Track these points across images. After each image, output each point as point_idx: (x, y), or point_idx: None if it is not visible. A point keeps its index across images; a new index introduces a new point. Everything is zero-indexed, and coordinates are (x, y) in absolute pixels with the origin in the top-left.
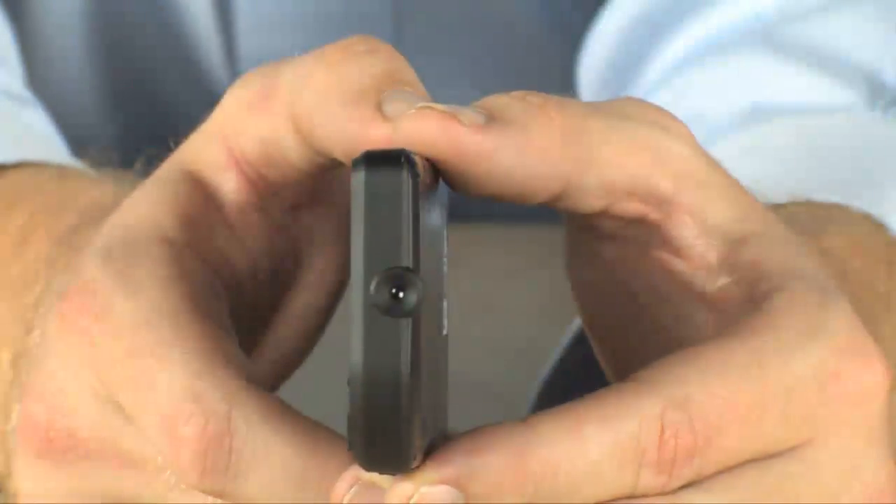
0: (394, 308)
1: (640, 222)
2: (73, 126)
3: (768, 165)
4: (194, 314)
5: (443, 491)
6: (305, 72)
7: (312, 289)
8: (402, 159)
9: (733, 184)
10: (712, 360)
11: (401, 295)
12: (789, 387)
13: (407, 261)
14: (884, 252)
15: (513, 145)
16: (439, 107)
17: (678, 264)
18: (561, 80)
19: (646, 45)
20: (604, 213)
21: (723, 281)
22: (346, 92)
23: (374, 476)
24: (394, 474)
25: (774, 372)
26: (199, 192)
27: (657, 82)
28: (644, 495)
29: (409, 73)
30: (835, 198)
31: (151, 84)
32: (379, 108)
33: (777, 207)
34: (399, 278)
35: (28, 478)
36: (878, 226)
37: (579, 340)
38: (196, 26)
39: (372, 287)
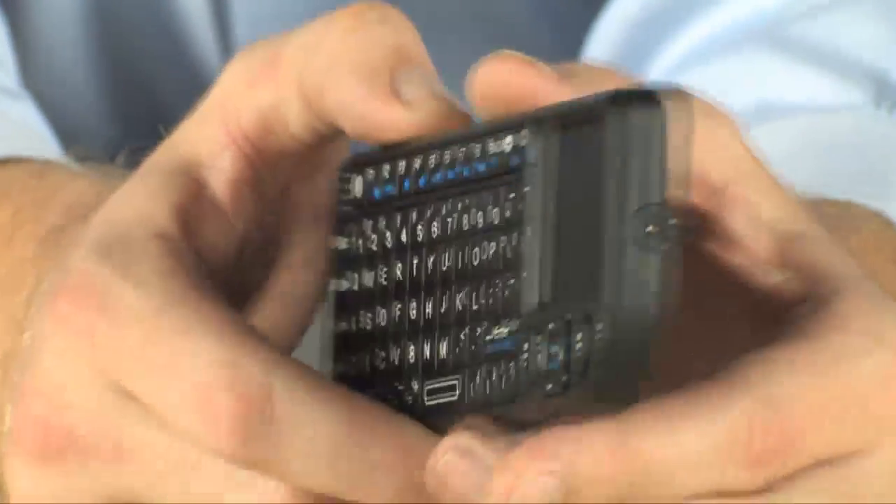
0: (652, 242)
1: (690, 211)
2: (71, 124)
3: (774, 164)
4: (207, 298)
5: (545, 482)
6: (315, 38)
7: (300, 267)
8: (659, 98)
9: (777, 180)
10: (798, 360)
11: (656, 230)
12: (863, 390)
13: (661, 196)
14: (892, 251)
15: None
16: (513, 54)
17: (730, 257)
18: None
19: (649, 43)
20: None
21: (779, 277)
22: (358, 64)
23: (475, 444)
24: (617, 408)
25: (853, 375)
26: (193, 180)
27: (665, 78)
28: (732, 493)
29: (419, 47)
30: (843, 196)
31: (148, 82)
32: (391, 87)
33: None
34: (656, 215)
35: (24, 478)
36: (888, 224)
37: None
38: (191, 23)
39: (627, 221)
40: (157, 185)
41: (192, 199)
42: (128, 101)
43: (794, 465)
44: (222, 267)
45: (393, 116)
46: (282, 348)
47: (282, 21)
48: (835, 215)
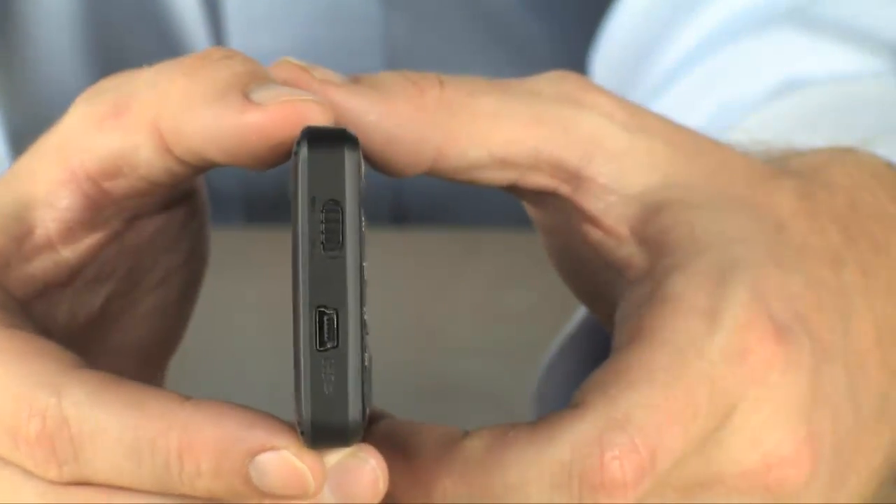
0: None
1: (552, 194)
2: None
3: (798, 126)
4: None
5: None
6: (164, 81)
7: (158, 290)
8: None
9: (660, 148)
10: (637, 371)
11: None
12: (709, 375)
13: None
14: (883, 188)
15: (372, 108)
16: (295, 62)
17: (594, 233)
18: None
19: (666, 25)
20: (516, 187)
21: (629, 250)
22: (212, 91)
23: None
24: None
25: (694, 366)
26: (20, 221)
27: (682, 61)
28: None
29: (268, 72)
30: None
31: None
32: (244, 99)
33: (783, 154)
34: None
35: None
36: (887, 164)
37: (576, 336)
38: (184, 25)
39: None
40: None
41: (12, 241)
42: None
43: (664, 470)
44: (44, 294)
45: (250, 120)
46: (150, 357)
47: (273, 22)
48: (822, 157)
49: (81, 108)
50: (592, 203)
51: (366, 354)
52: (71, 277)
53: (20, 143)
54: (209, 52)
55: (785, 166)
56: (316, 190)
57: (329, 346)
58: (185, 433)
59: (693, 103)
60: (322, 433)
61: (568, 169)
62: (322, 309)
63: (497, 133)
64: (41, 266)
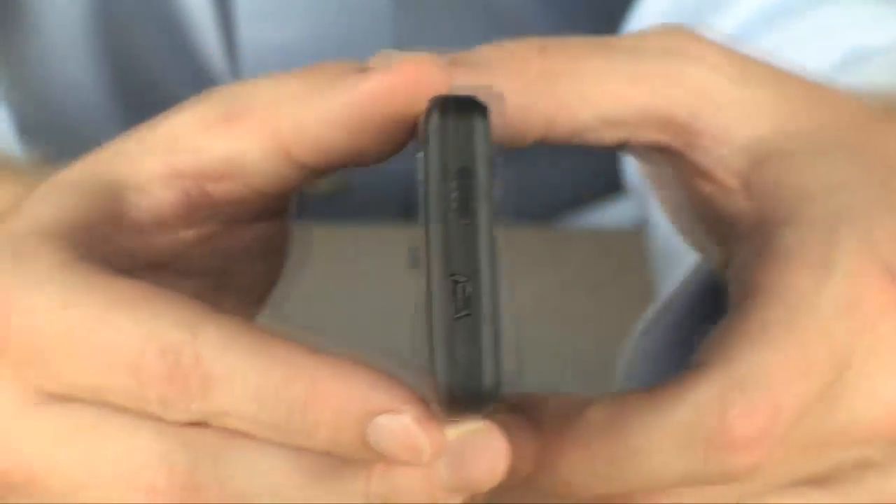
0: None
1: (663, 150)
2: (76, 123)
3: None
4: (111, 278)
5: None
6: (279, 87)
7: (239, 295)
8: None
9: (768, 97)
10: (753, 330)
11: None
12: (823, 328)
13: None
14: None
15: (476, 85)
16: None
17: (705, 186)
18: None
19: (696, 14)
20: (627, 145)
21: (740, 203)
22: (326, 80)
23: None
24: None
25: (808, 321)
26: (113, 201)
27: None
28: (731, 478)
29: None
30: None
31: (152, 79)
32: (359, 69)
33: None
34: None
35: None
36: None
37: (660, 316)
38: (193, 18)
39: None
40: (68, 200)
41: (105, 216)
42: (131, 97)
43: (787, 432)
44: (131, 275)
45: (369, 86)
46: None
47: (282, 16)
48: None
49: (192, 110)
50: (702, 156)
51: (501, 322)
52: (160, 263)
53: (29, 135)
54: (321, 63)
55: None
56: (448, 158)
57: (463, 313)
58: (311, 383)
59: None
60: (458, 400)
61: (677, 124)
62: (455, 277)
63: (603, 94)
64: (133, 246)
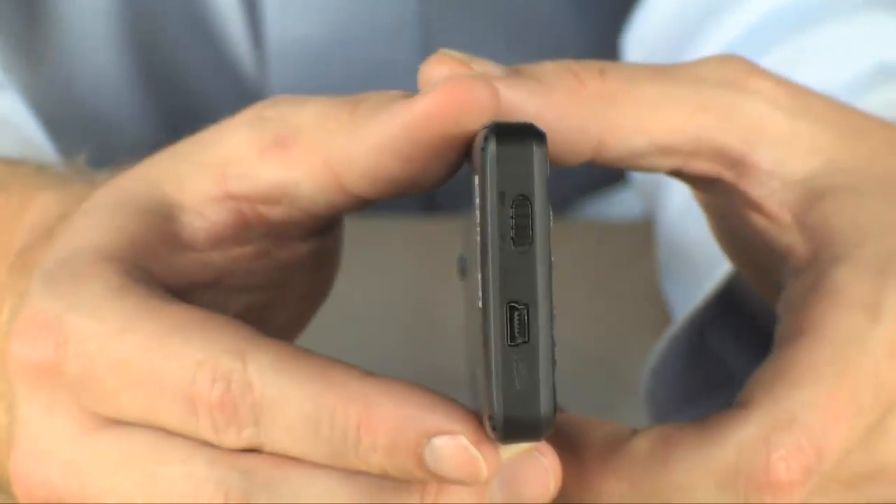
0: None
1: (716, 180)
2: (103, 117)
3: None
4: (165, 304)
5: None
6: (329, 117)
7: (294, 307)
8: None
9: (823, 132)
10: (801, 369)
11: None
12: (872, 370)
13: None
14: None
15: (533, 100)
16: (453, 54)
17: (758, 219)
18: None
19: (705, 12)
20: (679, 172)
21: (793, 237)
22: (376, 108)
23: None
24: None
25: (857, 362)
26: (164, 218)
27: (739, 43)
28: None
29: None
30: None
31: (180, 72)
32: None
33: None
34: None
35: None
36: None
37: (680, 336)
38: (220, 12)
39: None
40: (121, 221)
41: (159, 237)
42: (159, 91)
43: (825, 472)
44: (188, 291)
45: (420, 108)
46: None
47: (309, 7)
48: None
49: (243, 133)
50: (756, 189)
51: (555, 350)
52: (216, 280)
53: (56, 132)
54: (365, 94)
55: None
56: (505, 185)
57: (520, 340)
58: (365, 407)
59: None
60: (514, 427)
61: (731, 156)
62: (513, 304)
63: (659, 121)
64: (187, 263)
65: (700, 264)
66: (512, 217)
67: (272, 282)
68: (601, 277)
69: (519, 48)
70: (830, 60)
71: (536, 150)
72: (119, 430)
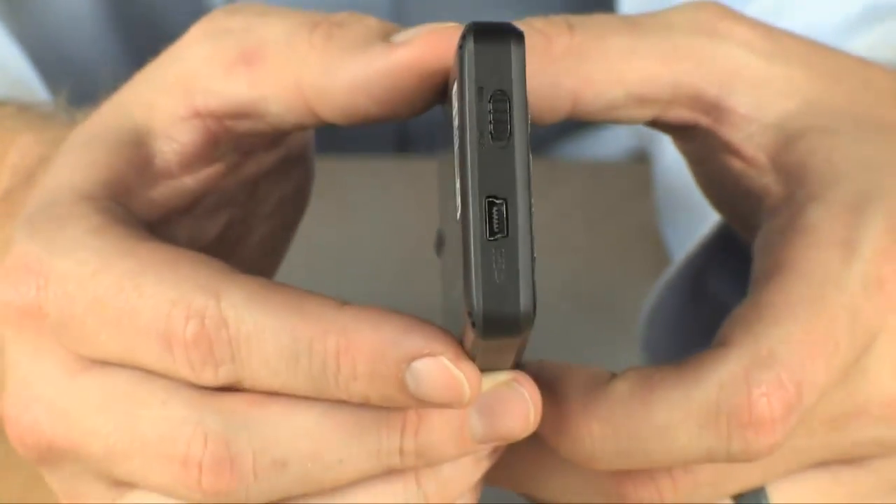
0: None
1: (694, 127)
2: (77, 57)
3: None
4: (142, 244)
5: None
6: (299, 41)
7: (270, 219)
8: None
9: (799, 74)
10: (778, 307)
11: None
12: (848, 306)
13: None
14: None
15: None
16: (440, 26)
17: (735, 162)
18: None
19: None
20: (657, 122)
21: (769, 178)
22: (353, 45)
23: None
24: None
25: (833, 298)
26: (139, 149)
27: None
28: (753, 456)
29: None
30: None
31: (152, 12)
32: (391, 41)
33: None
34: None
35: (42, 472)
36: None
37: (675, 280)
38: None
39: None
40: (96, 155)
41: (133, 168)
42: (131, 30)
43: (809, 406)
44: (166, 219)
45: (400, 57)
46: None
47: None
48: None
49: (206, 47)
50: (733, 133)
51: (535, 246)
52: (192, 204)
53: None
54: (339, 15)
55: None
56: (484, 80)
57: (499, 235)
58: (342, 336)
59: None
60: (494, 323)
61: (707, 101)
62: (492, 198)
63: (632, 71)
64: (163, 192)
65: (697, 206)
66: (490, 112)
67: (245, 196)
68: (598, 218)
69: (496, 9)
70: (817, 5)
71: (514, 47)
72: (101, 371)
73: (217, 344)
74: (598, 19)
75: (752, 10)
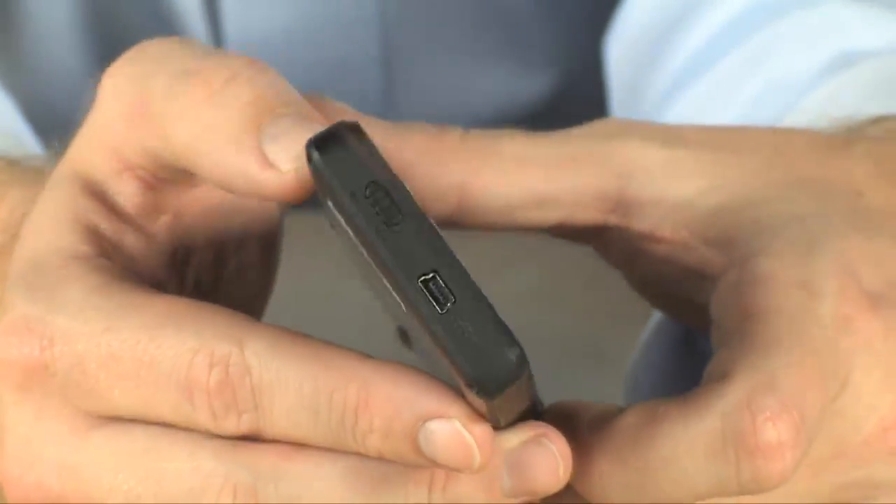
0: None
1: (606, 228)
2: (69, 111)
3: (864, 98)
4: (150, 297)
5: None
6: (185, 98)
7: (239, 252)
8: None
9: (703, 155)
10: (767, 341)
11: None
12: (827, 339)
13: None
14: None
15: (391, 140)
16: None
17: (658, 248)
18: (549, 61)
19: (687, 7)
20: (565, 227)
21: (700, 252)
22: (228, 130)
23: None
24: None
25: (813, 331)
26: (97, 199)
27: (710, 43)
28: (762, 485)
29: (287, 93)
30: None
31: None
32: (259, 150)
33: (859, 123)
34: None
35: None
36: None
37: (660, 331)
38: (181, 5)
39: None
40: (63, 209)
41: (101, 217)
42: None
43: (811, 440)
44: (153, 276)
45: (267, 181)
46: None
47: (269, 4)
48: (889, 125)
49: (110, 100)
50: (644, 221)
51: (482, 292)
52: (170, 260)
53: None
54: (228, 64)
55: (861, 134)
56: (350, 183)
57: (448, 304)
58: (363, 389)
59: (736, 84)
60: (492, 380)
61: (610, 198)
62: (423, 278)
63: (528, 173)
64: (136, 244)
65: None
66: (372, 205)
67: (206, 236)
68: (590, 268)
69: (479, 43)
70: (789, 55)
71: (355, 139)
72: (114, 427)
73: (241, 392)
74: (496, 130)
75: (721, 70)
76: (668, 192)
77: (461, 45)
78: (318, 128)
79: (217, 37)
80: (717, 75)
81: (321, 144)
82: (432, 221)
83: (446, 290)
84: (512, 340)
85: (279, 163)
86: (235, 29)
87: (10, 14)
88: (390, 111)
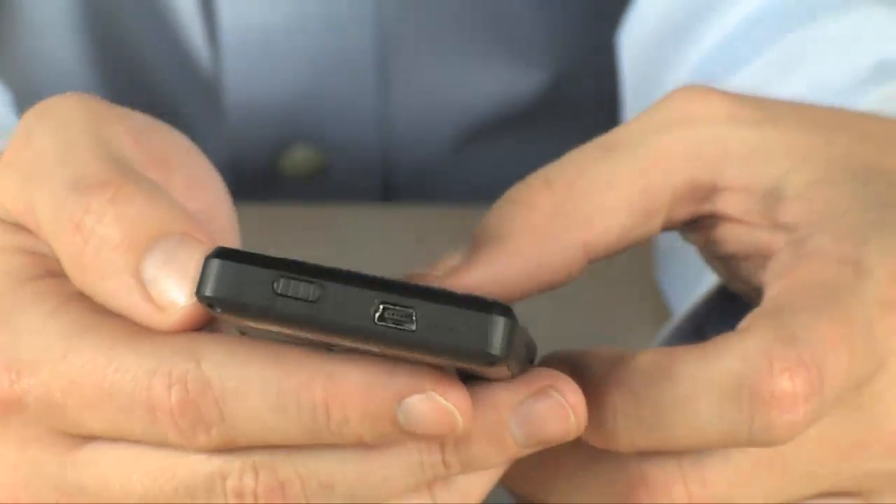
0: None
1: (704, 217)
2: None
3: None
4: (103, 312)
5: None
6: (63, 208)
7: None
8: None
9: (793, 133)
10: (801, 302)
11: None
12: (865, 315)
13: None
14: None
15: (501, 267)
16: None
17: (739, 230)
18: (544, 59)
19: (702, 7)
20: (672, 225)
21: (771, 236)
22: (106, 260)
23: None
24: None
25: (852, 304)
26: (21, 229)
27: (730, 41)
28: (772, 437)
29: (161, 212)
30: None
31: (138, 63)
32: (141, 286)
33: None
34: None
35: None
36: None
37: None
38: (178, 5)
39: None
40: (7, 235)
41: (33, 241)
42: (118, 81)
43: (832, 399)
44: None
45: (159, 323)
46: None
47: (264, 3)
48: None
49: (22, 148)
50: (735, 207)
51: (430, 285)
52: None
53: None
54: (89, 203)
55: None
56: (242, 305)
57: (414, 316)
58: (329, 382)
59: (775, 84)
60: (497, 344)
61: (705, 189)
62: (375, 315)
63: (621, 196)
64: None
65: (698, 258)
66: (274, 308)
67: None
68: (597, 269)
69: (474, 41)
70: (827, 60)
71: (220, 265)
72: (102, 443)
73: (205, 406)
74: (569, 161)
75: (757, 69)
76: (757, 177)
77: (457, 43)
78: (197, 255)
79: (212, 34)
80: (752, 74)
81: (199, 294)
82: (325, 267)
83: (401, 308)
84: (483, 302)
85: (165, 302)
86: (231, 26)
87: (4, 10)
88: (385, 109)
